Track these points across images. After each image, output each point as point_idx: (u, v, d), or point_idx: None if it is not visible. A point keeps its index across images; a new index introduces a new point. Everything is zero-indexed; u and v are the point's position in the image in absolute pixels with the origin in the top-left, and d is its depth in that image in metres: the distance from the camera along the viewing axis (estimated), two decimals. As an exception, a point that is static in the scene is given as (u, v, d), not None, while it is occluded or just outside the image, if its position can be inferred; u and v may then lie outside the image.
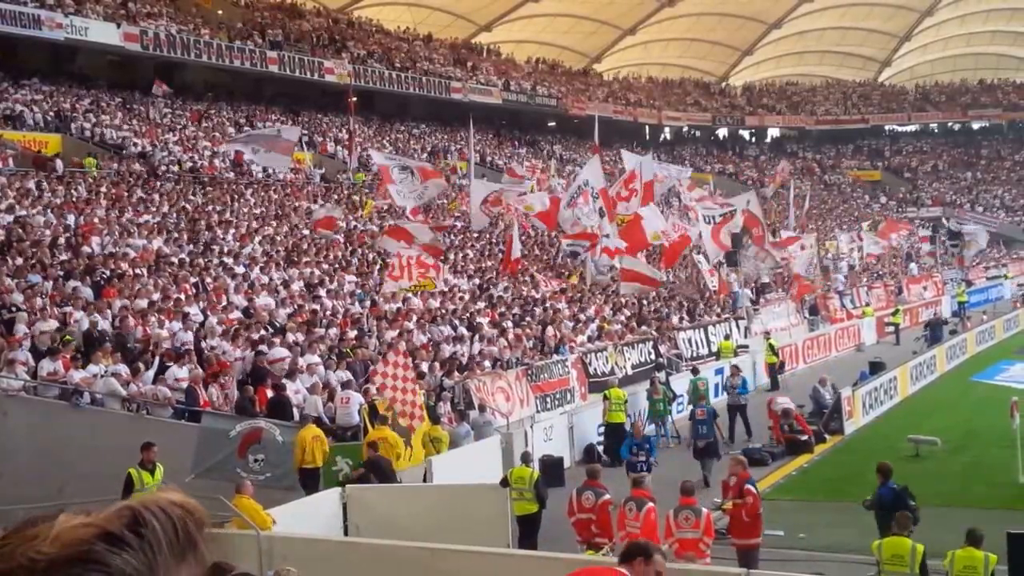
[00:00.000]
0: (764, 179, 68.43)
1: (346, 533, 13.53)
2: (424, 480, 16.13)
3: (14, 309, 17.60)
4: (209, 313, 20.24)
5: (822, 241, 54.27)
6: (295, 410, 17.53)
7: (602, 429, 21.60)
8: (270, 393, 17.62)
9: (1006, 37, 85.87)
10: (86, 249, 22.48)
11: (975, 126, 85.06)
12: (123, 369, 16.70)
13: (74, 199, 27.55)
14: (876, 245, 50.31)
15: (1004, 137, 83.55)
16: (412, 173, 30.09)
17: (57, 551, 1.10)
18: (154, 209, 28.56)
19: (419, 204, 31.55)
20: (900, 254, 57.01)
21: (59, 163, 31.96)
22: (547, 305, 29.50)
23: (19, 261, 20.20)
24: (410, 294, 24.19)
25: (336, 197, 37.85)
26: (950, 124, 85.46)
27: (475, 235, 37.15)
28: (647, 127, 77.67)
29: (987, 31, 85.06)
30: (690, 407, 22.13)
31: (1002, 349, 36.85)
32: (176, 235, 26.18)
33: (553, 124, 70.42)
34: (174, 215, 28.49)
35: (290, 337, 20.27)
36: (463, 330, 24.74)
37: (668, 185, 34.26)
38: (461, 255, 34.45)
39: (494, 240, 37.78)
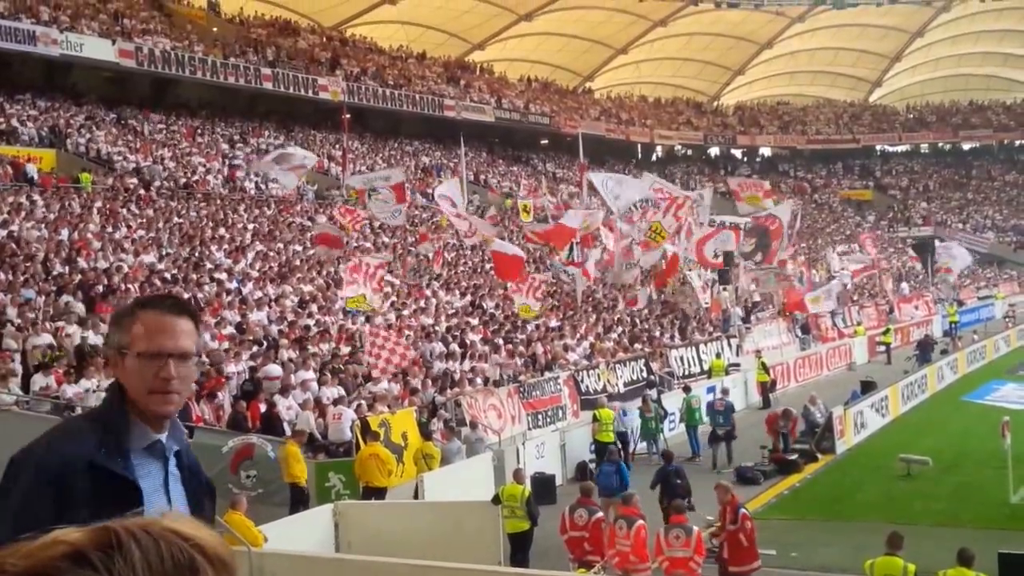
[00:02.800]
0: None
1: (338, 550, 13.51)
2: (415, 497, 16.13)
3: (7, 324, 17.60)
4: (202, 329, 20.22)
5: (813, 261, 54.51)
6: (286, 426, 17.53)
7: (593, 447, 21.69)
8: (263, 408, 17.63)
9: (996, 58, 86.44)
10: (80, 264, 22.48)
11: (965, 147, 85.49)
12: (116, 385, 16.65)
13: (68, 214, 27.54)
14: (859, 261, 50.46)
15: (994, 158, 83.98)
16: (388, 191, 30.13)
17: (25, 566, 1.11)
18: (147, 224, 28.57)
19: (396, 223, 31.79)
20: (889, 271, 57.05)
21: (30, 167, 31.80)
22: (537, 323, 29.55)
23: (12, 276, 20.19)
24: (354, 307, 24.17)
25: (329, 213, 37.84)
26: (941, 145, 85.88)
27: (467, 251, 37.20)
28: (639, 146, 77.95)
29: (977, 52, 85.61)
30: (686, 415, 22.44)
31: (993, 369, 36.94)
32: (169, 250, 26.19)
33: (546, 142, 70.62)
34: (167, 231, 28.50)
35: (283, 354, 20.27)
36: (455, 347, 24.78)
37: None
38: (453, 271, 34.52)
39: (486, 257, 37.79)
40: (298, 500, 15.36)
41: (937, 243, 55.05)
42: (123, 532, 1.15)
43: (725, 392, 24.54)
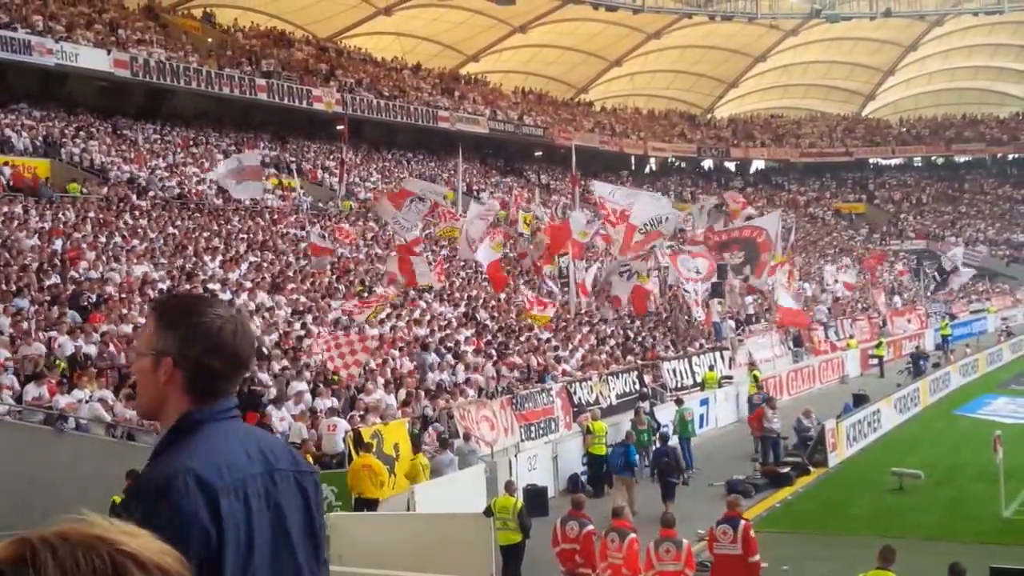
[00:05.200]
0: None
1: (329, 562, 13.49)
2: (407, 508, 16.12)
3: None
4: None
5: (806, 273, 54.65)
6: (279, 437, 17.50)
7: (585, 460, 21.73)
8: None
9: (989, 72, 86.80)
10: (73, 274, 22.47)
11: (959, 160, 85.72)
12: (108, 395, 16.67)
13: (61, 224, 27.51)
14: (853, 275, 50.70)
15: (987, 171, 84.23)
16: (425, 204, 30.20)
17: None
18: (141, 235, 28.55)
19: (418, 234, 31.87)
20: (882, 286, 57.11)
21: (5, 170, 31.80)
22: (530, 334, 29.58)
23: (6, 285, 20.17)
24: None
25: (322, 224, 37.85)
26: (934, 158, 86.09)
27: (461, 262, 37.23)
28: (633, 157, 78.09)
29: (970, 67, 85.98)
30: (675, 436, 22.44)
31: (985, 383, 37.01)
32: (163, 261, 26.18)
33: (539, 154, 70.72)
34: (161, 241, 28.49)
35: (276, 364, 20.27)
36: (449, 358, 24.80)
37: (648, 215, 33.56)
38: (448, 283, 34.52)
39: (480, 268, 37.83)
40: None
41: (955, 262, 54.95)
42: (38, 543, 1.14)
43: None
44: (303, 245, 32.51)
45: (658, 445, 20.76)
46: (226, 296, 24.29)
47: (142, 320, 20.02)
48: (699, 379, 30.56)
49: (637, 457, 20.52)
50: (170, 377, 2.42)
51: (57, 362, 16.95)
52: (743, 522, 12.87)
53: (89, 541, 1.16)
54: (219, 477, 2.30)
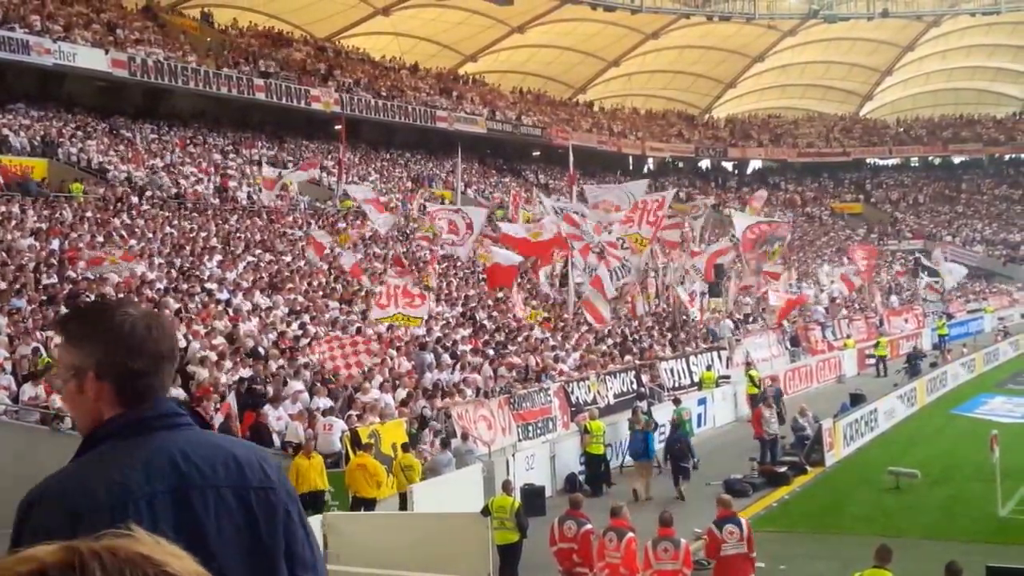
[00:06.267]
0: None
1: (326, 561, 13.49)
2: (404, 508, 16.13)
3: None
4: (192, 338, 20.22)
5: (804, 273, 54.68)
6: (275, 436, 17.52)
7: (583, 459, 21.75)
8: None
9: (986, 73, 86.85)
10: (70, 274, 22.46)
11: (956, 160, 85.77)
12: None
13: (59, 223, 27.50)
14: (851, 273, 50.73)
15: (984, 172, 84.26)
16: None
17: None
18: (139, 234, 28.54)
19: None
20: (879, 285, 57.15)
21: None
22: (529, 333, 29.59)
23: (3, 285, 20.17)
24: (395, 323, 24.25)
25: (320, 223, 37.87)
26: (931, 158, 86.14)
27: (458, 262, 37.24)
28: (631, 157, 78.10)
29: (968, 67, 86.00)
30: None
31: (982, 382, 37.05)
32: (160, 261, 26.17)
33: (537, 153, 70.73)
34: (158, 241, 28.49)
35: (272, 364, 20.28)
36: (446, 357, 24.81)
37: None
38: (445, 282, 34.54)
39: (478, 268, 37.86)
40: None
41: (941, 261, 55.10)
42: (88, 553, 1.16)
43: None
44: (301, 245, 32.57)
45: (673, 433, 22.05)
46: (223, 296, 24.32)
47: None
48: (696, 379, 30.57)
49: (656, 443, 21.85)
50: (98, 392, 2.27)
51: (42, 360, 16.91)
52: (744, 521, 12.95)
53: (136, 559, 1.17)
54: (90, 499, 2.13)
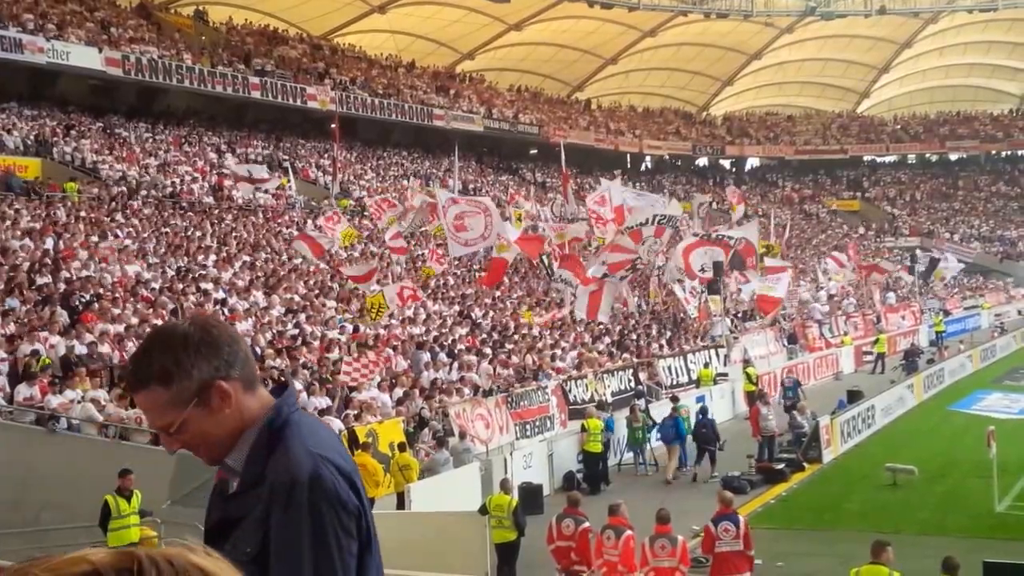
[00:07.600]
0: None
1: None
2: (401, 507, 16.09)
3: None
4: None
5: (801, 271, 54.64)
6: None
7: (581, 457, 21.72)
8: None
9: (984, 70, 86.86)
10: (64, 274, 22.38)
11: (953, 157, 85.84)
12: (102, 395, 16.61)
13: (53, 223, 27.41)
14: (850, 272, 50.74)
15: (981, 168, 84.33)
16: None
17: None
18: (134, 234, 28.48)
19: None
20: (876, 282, 57.11)
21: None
22: (526, 332, 29.55)
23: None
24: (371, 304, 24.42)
25: (318, 223, 37.78)
26: (928, 155, 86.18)
27: (455, 261, 37.18)
28: (628, 155, 78.06)
29: (965, 64, 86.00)
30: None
31: (979, 378, 37.08)
32: (155, 260, 26.10)
33: (535, 152, 70.66)
34: (153, 240, 28.41)
35: (269, 363, 20.20)
36: (443, 356, 24.77)
37: (644, 216, 33.20)
38: (442, 281, 34.50)
39: (474, 267, 37.85)
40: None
41: (939, 253, 55.25)
42: (146, 560, 1.16)
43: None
44: (294, 242, 32.51)
45: (699, 417, 23.29)
46: (219, 295, 24.26)
47: (135, 320, 19.96)
48: (694, 376, 30.54)
49: (686, 426, 22.93)
50: (224, 394, 2.25)
51: (43, 360, 16.84)
52: (742, 518, 12.93)
53: (191, 570, 1.17)
54: (345, 461, 2.26)
